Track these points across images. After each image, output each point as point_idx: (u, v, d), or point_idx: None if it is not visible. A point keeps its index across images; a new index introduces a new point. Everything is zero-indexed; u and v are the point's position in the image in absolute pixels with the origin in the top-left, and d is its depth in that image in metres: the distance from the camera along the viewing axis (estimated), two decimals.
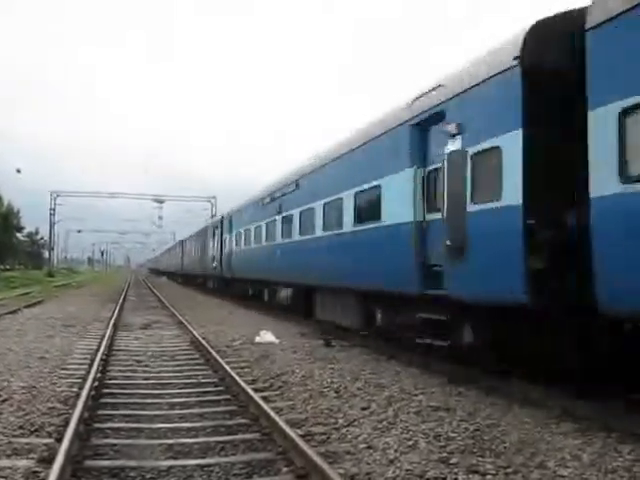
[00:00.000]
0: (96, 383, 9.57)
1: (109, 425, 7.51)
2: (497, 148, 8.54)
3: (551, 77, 7.97)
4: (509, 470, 5.86)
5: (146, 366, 11.90)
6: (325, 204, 15.71)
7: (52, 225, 75.41)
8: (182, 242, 60.43)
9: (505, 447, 6.52)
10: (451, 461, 6.09)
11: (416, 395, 8.89)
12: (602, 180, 6.86)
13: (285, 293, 22.01)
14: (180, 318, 20.61)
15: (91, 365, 10.98)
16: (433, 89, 10.62)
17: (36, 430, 7.13)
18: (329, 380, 10.04)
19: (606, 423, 7.17)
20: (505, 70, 8.44)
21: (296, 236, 18.38)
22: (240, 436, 7.15)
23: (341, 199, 14.40)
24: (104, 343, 13.70)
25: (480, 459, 6.16)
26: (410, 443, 6.68)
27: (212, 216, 56.95)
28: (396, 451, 6.41)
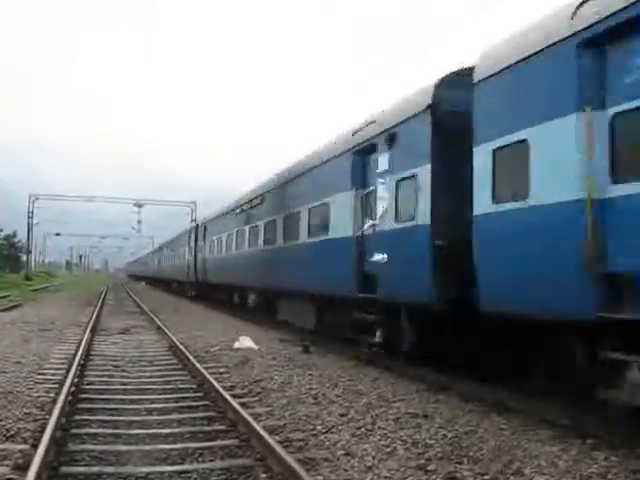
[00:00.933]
0: (73, 388, 9.50)
1: (86, 431, 7.45)
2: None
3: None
4: (486, 477, 5.91)
5: (124, 371, 11.83)
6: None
7: (30, 228, 74.66)
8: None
9: (483, 454, 6.56)
10: (429, 468, 6.12)
11: (394, 402, 8.92)
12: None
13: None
14: (158, 323, 20.51)
15: (68, 370, 10.88)
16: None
17: (12, 436, 7.05)
18: (308, 386, 10.04)
19: (581, 429, 7.25)
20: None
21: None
22: (218, 442, 7.13)
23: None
24: (82, 348, 13.60)
25: (458, 466, 6.19)
26: (388, 450, 6.70)
27: (192, 221, 57.34)
28: (374, 458, 6.43)
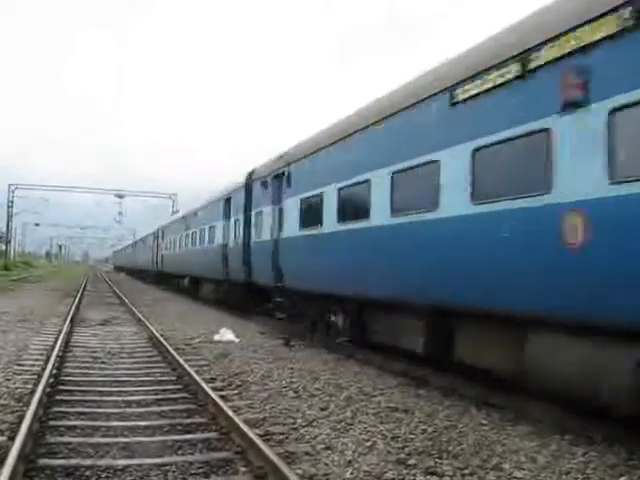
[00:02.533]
0: (52, 380, 9.42)
1: (64, 423, 7.38)
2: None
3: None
4: (466, 472, 5.92)
5: (103, 363, 11.74)
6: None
7: (10, 218, 73.96)
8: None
9: (462, 449, 6.59)
10: (409, 462, 6.13)
11: (375, 396, 8.93)
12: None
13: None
14: (139, 315, 20.39)
15: (47, 361, 10.79)
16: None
17: None
18: (288, 380, 10.03)
19: (560, 425, 7.30)
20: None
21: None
22: (198, 435, 7.09)
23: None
24: (61, 339, 13.48)
25: (438, 460, 6.21)
26: (368, 444, 6.70)
27: (172, 213, 57.92)
28: (354, 452, 6.43)
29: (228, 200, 22.43)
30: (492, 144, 8.00)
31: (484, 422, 7.64)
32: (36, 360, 11.35)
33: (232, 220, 21.63)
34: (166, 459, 6.22)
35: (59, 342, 12.97)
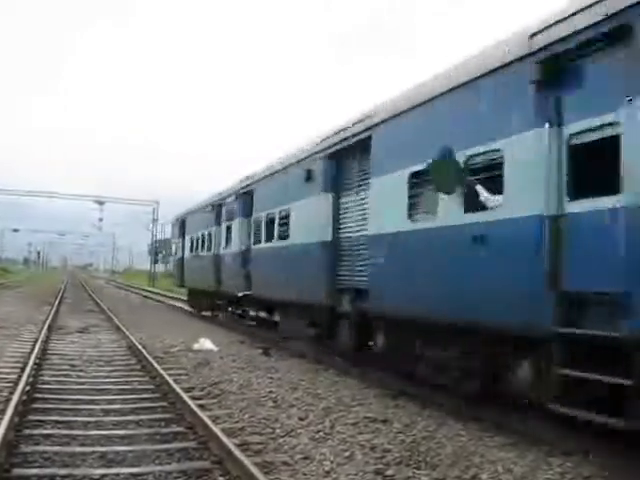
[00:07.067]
0: (28, 387, 9.32)
1: (40, 432, 7.31)
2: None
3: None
4: None
5: (81, 371, 11.64)
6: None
7: None
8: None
9: (440, 460, 6.60)
10: (387, 473, 6.14)
11: (353, 406, 8.93)
12: (257, 242, 17.97)
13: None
14: (117, 323, 20.25)
15: (23, 369, 10.68)
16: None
17: None
18: (267, 389, 10.01)
19: (538, 436, 7.34)
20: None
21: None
22: (176, 444, 7.05)
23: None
24: (37, 346, 13.36)
25: (416, 471, 6.22)
26: (347, 454, 6.70)
27: (153, 220, 57.24)
28: (332, 462, 6.43)
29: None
30: None
31: (462, 433, 7.66)
32: (12, 368, 11.23)
33: None
34: (143, 469, 6.18)
35: (36, 349, 12.86)
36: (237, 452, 6.24)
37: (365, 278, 10.94)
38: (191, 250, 27.43)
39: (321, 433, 7.51)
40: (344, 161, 12.39)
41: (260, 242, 17.16)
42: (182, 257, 29.66)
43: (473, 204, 8.28)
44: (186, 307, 29.86)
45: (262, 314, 18.76)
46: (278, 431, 7.60)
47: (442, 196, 8.73)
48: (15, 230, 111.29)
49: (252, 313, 20.07)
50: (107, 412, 8.52)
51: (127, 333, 16.96)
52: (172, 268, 37.05)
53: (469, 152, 8.30)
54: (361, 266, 11.20)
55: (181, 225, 30.37)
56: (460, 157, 8.40)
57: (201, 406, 8.51)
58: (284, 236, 15.09)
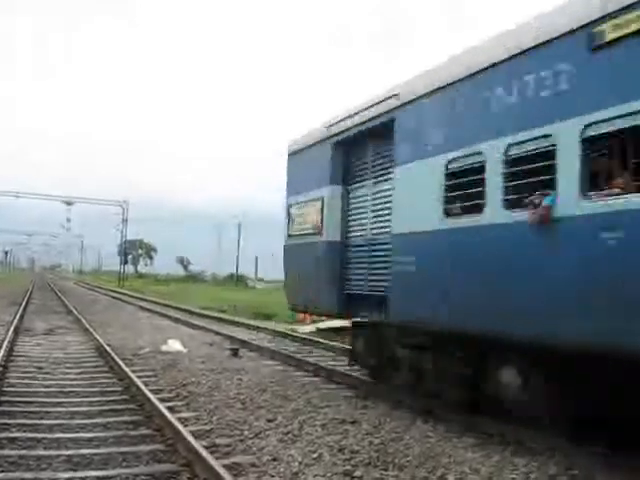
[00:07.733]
0: None
1: (5, 435, 7.21)
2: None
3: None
4: None
5: (47, 373, 11.51)
6: None
7: None
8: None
9: (408, 460, 6.65)
10: (355, 474, 6.17)
11: (322, 408, 8.95)
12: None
13: None
14: (85, 324, 20.04)
15: None
16: None
17: None
18: (236, 391, 9.99)
19: (504, 436, 7.43)
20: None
21: None
22: (143, 447, 7.00)
23: None
24: (3, 348, 13.16)
25: (384, 472, 6.26)
26: (315, 456, 6.72)
27: (123, 220, 56.31)
28: (300, 464, 6.44)
29: None
30: None
31: (430, 434, 7.72)
32: None
33: None
34: (110, 472, 6.14)
35: (1, 352, 12.65)
36: (205, 454, 6.22)
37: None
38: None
39: (290, 435, 7.52)
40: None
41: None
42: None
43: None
44: (156, 308, 29.26)
45: None
46: (247, 433, 7.59)
47: None
48: None
49: None
50: (74, 415, 8.44)
51: (95, 335, 16.79)
52: (288, 268, 13.29)
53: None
54: None
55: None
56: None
57: (170, 408, 8.46)
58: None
